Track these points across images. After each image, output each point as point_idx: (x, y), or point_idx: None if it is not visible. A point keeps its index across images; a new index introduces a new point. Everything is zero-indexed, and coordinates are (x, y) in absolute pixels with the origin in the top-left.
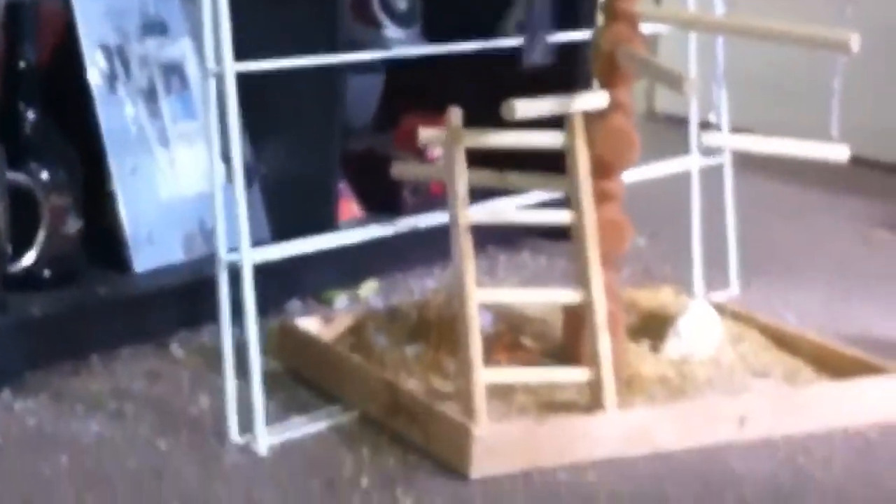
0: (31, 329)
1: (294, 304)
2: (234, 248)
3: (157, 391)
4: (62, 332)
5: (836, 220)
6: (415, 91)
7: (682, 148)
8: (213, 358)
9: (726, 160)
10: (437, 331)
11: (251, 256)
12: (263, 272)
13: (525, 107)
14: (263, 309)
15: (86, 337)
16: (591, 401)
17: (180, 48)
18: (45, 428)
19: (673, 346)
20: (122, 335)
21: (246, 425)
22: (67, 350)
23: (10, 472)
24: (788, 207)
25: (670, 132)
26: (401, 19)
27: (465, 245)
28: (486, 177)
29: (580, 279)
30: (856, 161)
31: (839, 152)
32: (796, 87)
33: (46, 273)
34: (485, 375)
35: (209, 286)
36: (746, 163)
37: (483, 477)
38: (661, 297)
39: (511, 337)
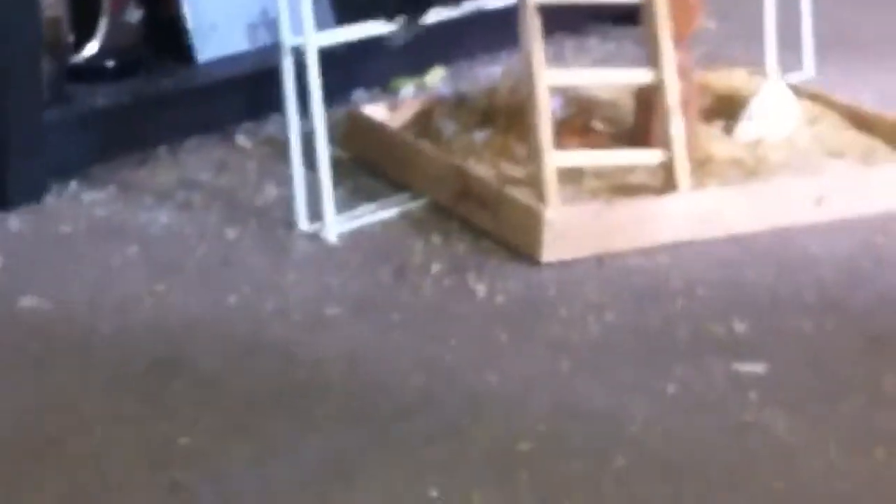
0: (96, 121)
1: (360, 93)
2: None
3: (224, 181)
4: (127, 123)
5: None
6: None
7: None
8: (279, 148)
9: None
10: (506, 116)
11: (315, 40)
12: (328, 62)
13: None
14: (329, 99)
15: (151, 128)
16: (663, 183)
17: None
18: (113, 219)
19: (746, 128)
20: (187, 126)
21: (314, 214)
22: (133, 142)
23: (81, 261)
24: None
25: None
26: None
27: (533, 25)
28: None
29: (651, 59)
30: None
31: None
32: None
33: (109, 63)
34: (555, 159)
35: (274, 76)
36: None
37: (555, 261)
38: (734, 78)
39: (582, 120)
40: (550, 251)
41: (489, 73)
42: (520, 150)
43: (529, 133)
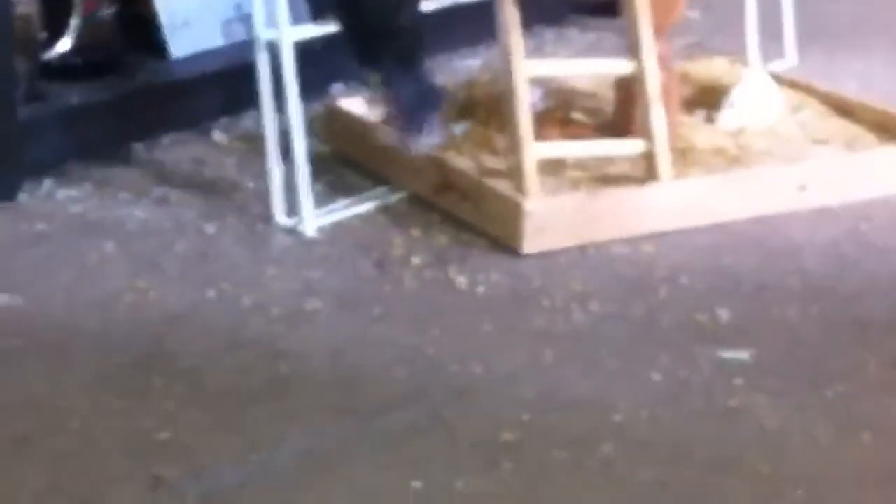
0: (71, 118)
1: (337, 87)
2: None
3: (201, 177)
4: (102, 120)
5: None
6: None
7: None
8: (256, 143)
9: None
10: (486, 108)
11: (290, 34)
12: (305, 57)
13: None
14: (306, 94)
15: (126, 125)
16: (645, 173)
17: None
18: (89, 216)
19: (728, 117)
20: (163, 122)
21: (293, 208)
22: (108, 138)
23: (57, 258)
24: None
25: None
26: None
27: (511, 17)
28: None
29: (632, 50)
30: None
31: None
32: None
33: (82, 60)
34: (536, 150)
35: (249, 71)
36: None
37: (537, 252)
38: (715, 68)
39: (562, 112)
40: (532, 242)
41: (468, 65)
42: (500, 141)
43: (509, 125)
